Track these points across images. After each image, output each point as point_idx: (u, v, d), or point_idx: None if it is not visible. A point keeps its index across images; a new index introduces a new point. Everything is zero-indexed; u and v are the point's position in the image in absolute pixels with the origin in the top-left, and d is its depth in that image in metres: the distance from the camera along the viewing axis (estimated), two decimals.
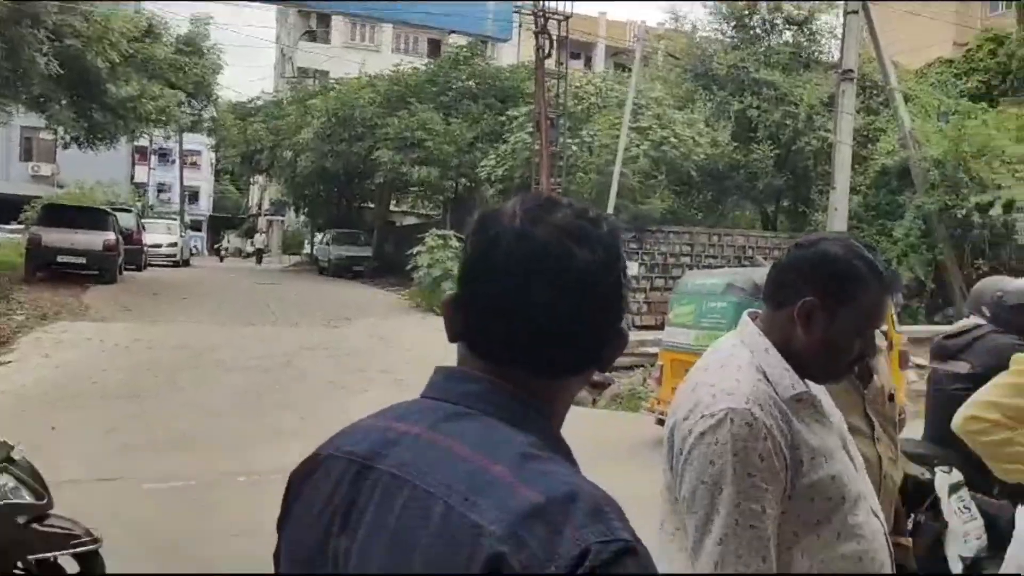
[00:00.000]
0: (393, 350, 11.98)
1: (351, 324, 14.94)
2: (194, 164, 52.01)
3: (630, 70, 19.03)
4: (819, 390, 1.63)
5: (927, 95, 18.02)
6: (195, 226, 48.45)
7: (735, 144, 17.92)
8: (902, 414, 7.70)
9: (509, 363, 0.90)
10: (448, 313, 0.95)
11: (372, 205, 31.29)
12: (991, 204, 14.33)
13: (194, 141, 41.41)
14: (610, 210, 14.17)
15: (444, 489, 0.82)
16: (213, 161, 48.66)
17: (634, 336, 13.21)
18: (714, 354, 1.62)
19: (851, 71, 13.57)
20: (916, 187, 15.71)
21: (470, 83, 23.37)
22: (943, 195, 15.13)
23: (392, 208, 31.16)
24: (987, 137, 15.04)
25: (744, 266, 13.99)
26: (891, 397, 2.35)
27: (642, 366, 11.36)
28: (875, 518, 1.55)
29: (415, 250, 16.77)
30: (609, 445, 8.00)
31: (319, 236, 32.37)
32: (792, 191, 19.91)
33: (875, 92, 18.23)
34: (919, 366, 12.03)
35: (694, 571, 1.45)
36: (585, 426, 9.21)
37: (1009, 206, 14.12)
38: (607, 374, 11.42)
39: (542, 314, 0.88)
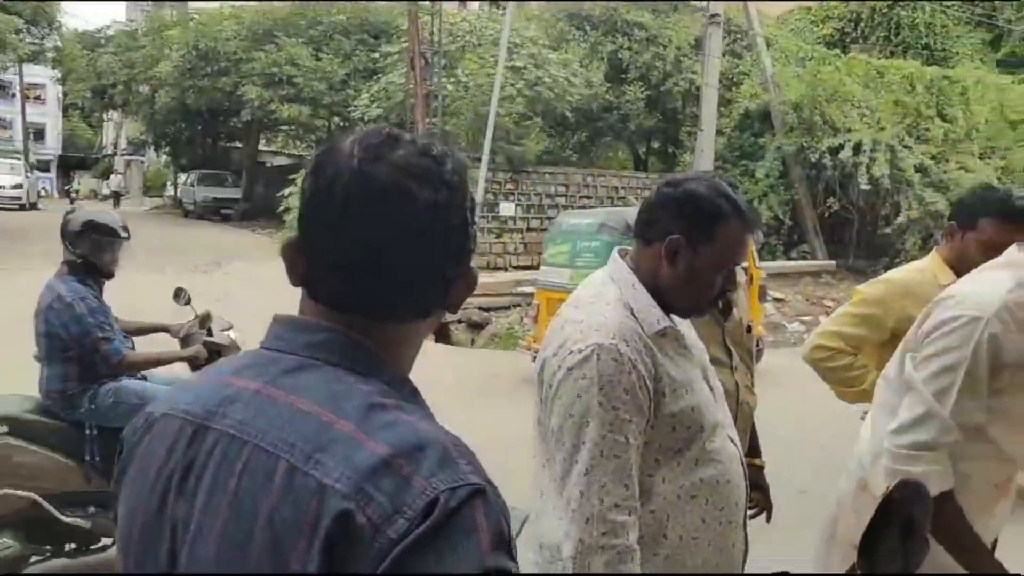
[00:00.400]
0: (266, 295, 11.61)
1: (220, 269, 14.40)
2: (38, 99, 47.86)
3: (504, 8, 18.82)
4: (683, 323, 1.72)
5: (787, 41, 18.79)
6: (42, 166, 44.86)
7: (608, 85, 18.17)
8: (760, 344, 8.13)
9: (352, 310, 0.87)
10: (288, 258, 0.90)
11: (240, 144, 29.91)
12: (841, 147, 15.26)
13: (37, 73, 38.12)
14: (486, 151, 14.15)
15: (287, 448, 0.78)
16: (60, 95, 44.98)
17: (511, 276, 13.39)
18: (584, 290, 1.67)
19: (717, 15, 13.96)
20: (776, 130, 16.49)
21: (341, 17, 22.50)
22: (799, 138, 15.97)
23: (261, 148, 29.90)
24: (839, 83, 15.92)
25: (617, 206, 14.36)
26: (748, 329, 2.50)
27: (519, 305, 11.56)
28: (731, 443, 1.65)
29: (287, 191, 16.26)
30: (488, 383, 8.16)
31: (183, 177, 30.76)
32: (662, 132, 20.47)
33: (739, 36, 18.85)
34: (777, 299, 12.83)
35: (562, 501, 1.52)
36: (464, 365, 9.36)
37: (857, 148, 15.06)
38: (486, 314, 11.57)
39: (383, 259, 0.85)
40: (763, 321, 9.95)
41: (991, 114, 16.16)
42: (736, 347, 2.36)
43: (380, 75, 18.68)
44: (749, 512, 2.48)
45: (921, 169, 14.98)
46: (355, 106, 18.35)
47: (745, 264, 5.47)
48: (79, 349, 3.42)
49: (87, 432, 3.47)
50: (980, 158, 15.69)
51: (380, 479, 0.75)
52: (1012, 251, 1.95)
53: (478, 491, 0.77)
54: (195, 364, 3.65)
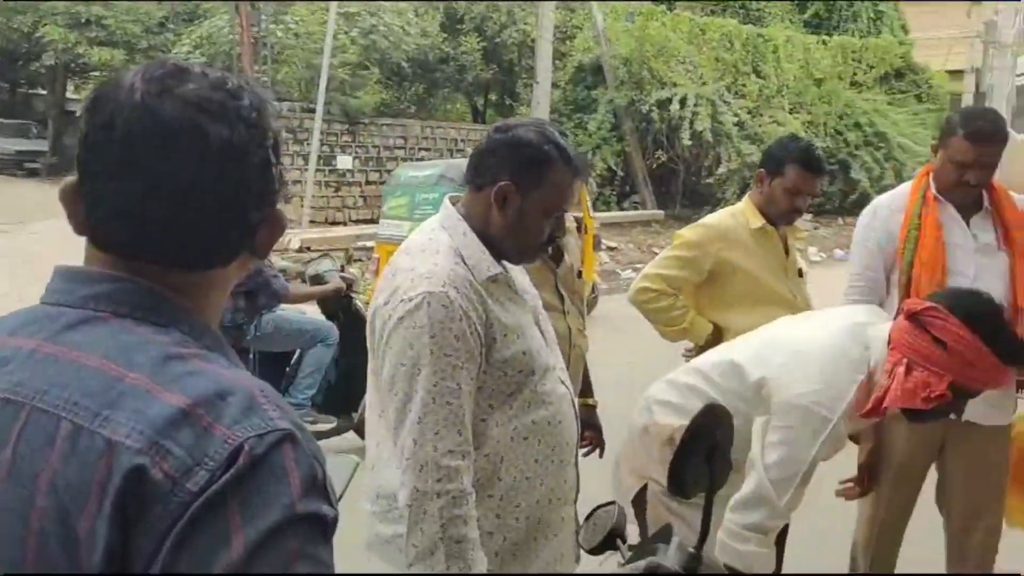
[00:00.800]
0: (81, 256, 10.80)
1: (25, 227, 13.19)
2: None
3: None
4: (515, 269, 1.74)
5: None
6: None
7: (443, 35, 17.96)
8: (595, 291, 8.40)
9: (142, 257, 0.80)
10: (67, 203, 0.82)
11: (43, 91, 27.21)
12: (668, 101, 15.94)
13: None
14: (320, 102, 13.66)
15: (69, 408, 0.73)
16: None
17: (350, 231, 13.14)
18: (415, 239, 1.66)
19: None
20: (607, 83, 16.97)
21: None
22: (630, 91, 16.52)
23: (70, 95, 27.32)
24: (665, 39, 16.56)
25: (456, 158, 14.34)
26: (579, 274, 2.59)
27: (359, 260, 11.37)
28: (562, 385, 1.70)
29: None
30: None
31: None
32: (499, 84, 20.54)
33: None
34: (610, 248, 13.35)
35: (397, 449, 1.52)
36: None
37: (682, 103, 15.79)
38: (350, 271, 11.29)
39: (173, 202, 0.78)
40: (598, 269, 10.33)
41: (799, 72, 17.42)
42: (568, 292, 2.44)
43: (202, 19, 17.52)
44: (583, 450, 2.61)
45: (739, 123, 15.94)
46: (175, 52, 17.14)
47: (579, 214, 5.68)
48: (252, 285, 3.90)
49: (250, 358, 4.07)
50: (790, 112, 16.91)
51: (177, 431, 0.71)
52: (878, 333, 1.96)
53: (287, 436, 0.74)
54: (336, 296, 4.47)
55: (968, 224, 2.67)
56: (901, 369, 1.79)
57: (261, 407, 0.75)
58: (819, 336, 2.02)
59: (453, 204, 1.69)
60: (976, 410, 2.64)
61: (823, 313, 2.19)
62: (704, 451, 1.09)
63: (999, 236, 2.66)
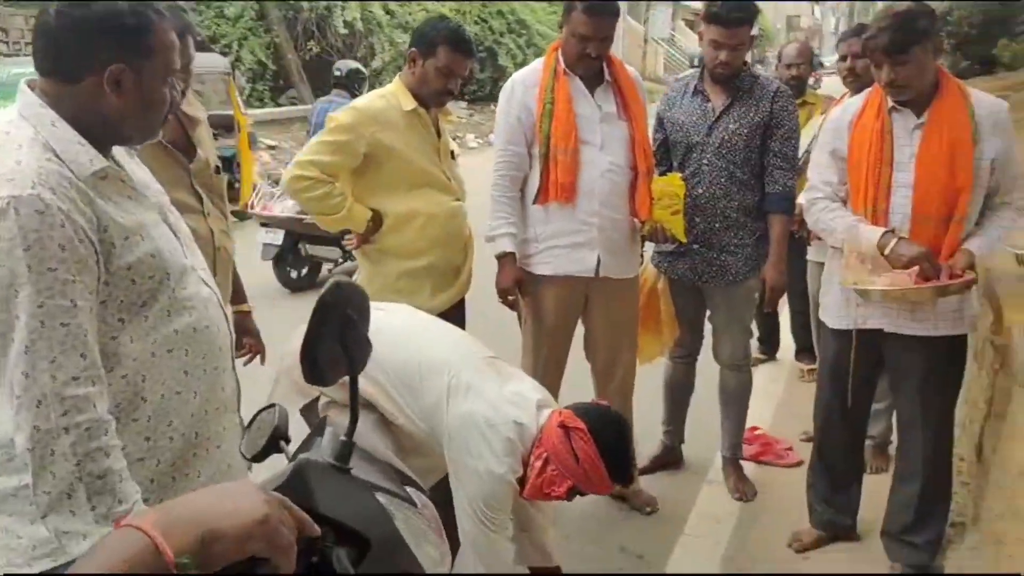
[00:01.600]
0: None
1: None
2: None
3: None
4: (130, 162, 1.52)
5: None
6: None
7: None
8: (261, 191, 7.96)
9: None
10: None
11: None
12: None
13: None
14: None
15: None
16: None
17: None
18: None
19: None
20: None
21: None
22: None
23: None
24: None
25: None
26: (217, 170, 2.36)
27: None
28: (205, 287, 1.55)
29: None
30: None
31: None
32: None
33: None
34: (271, 147, 12.70)
35: (5, 388, 1.29)
36: None
37: None
38: None
39: None
40: (258, 170, 9.79)
41: None
42: (206, 191, 2.23)
43: None
44: (244, 357, 2.47)
45: (389, 11, 15.76)
46: None
47: (229, 111, 5.27)
48: None
49: None
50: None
51: None
52: (542, 419, 2.15)
53: None
54: None
55: (593, 95, 2.89)
56: (539, 463, 2.10)
57: None
58: (495, 411, 2.15)
59: (32, 89, 1.40)
60: (611, 267, 2.96)
61: (510, 376, 2.29)
62: (337, 332, 1.02)
63: (619, 105, 2.92)
